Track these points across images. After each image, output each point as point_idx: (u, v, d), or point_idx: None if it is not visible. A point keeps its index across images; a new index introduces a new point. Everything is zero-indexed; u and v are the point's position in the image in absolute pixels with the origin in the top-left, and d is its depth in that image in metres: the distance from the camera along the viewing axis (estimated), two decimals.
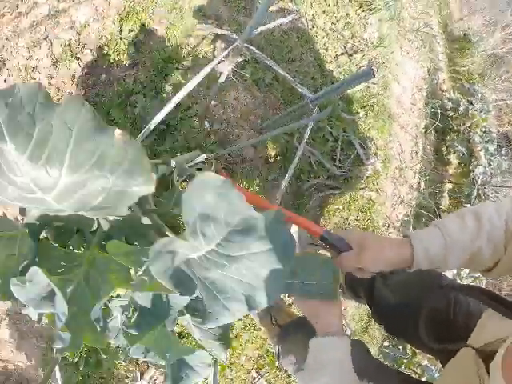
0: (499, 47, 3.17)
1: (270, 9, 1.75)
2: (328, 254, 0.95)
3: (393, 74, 2.21)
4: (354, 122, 1.92)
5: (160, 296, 0.60)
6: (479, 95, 2.55)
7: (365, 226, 1.97)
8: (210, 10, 1.64)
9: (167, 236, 0.66)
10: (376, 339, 2.05)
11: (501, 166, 2.53)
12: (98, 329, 0.60)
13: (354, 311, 1.95)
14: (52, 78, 1.41)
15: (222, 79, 1.42)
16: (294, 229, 1.64)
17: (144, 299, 0.60)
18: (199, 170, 1.38)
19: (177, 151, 1.48)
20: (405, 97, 2.32)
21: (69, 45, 1.43)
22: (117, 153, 0.49)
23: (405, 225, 2.16)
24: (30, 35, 1.41)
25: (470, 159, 2.40)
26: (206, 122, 1.57)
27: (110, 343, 0.79)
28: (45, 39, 1.42)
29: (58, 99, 1.41)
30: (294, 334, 1.34)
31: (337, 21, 1.99)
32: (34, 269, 0.54)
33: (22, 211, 0.71)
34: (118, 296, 0.69)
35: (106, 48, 1.46)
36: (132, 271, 0.64)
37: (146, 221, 0.71)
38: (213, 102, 1.59)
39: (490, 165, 2.43)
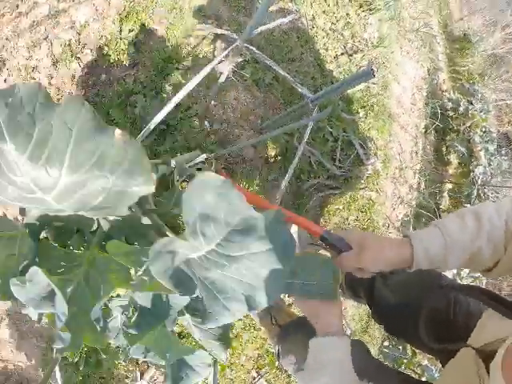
0: (499, 47, 3.17)
1: (270, 9, 1.75)
2: (328, 254, 0.95)
3: (393, 74, 2.21)
4: (354, 122, 1.92)
5: (160, 296, 0.60)
6: (479, 95, 2.55)
7: (365, 226, 1.97)
8: (210, 9, 1.64)
9: (167, 236, 0.66)
10: (376, 339, 2.05)
11: (501, 165, 2.53)
12: (98, 329, 0.60)
13: (353, 311, 1.95)
14: (52, 77, 1.41)
15: (222, 79, 1.42)
16: (293, 229, 1.65)
17: (144, 299, 0.60)
18: (199, 170, 1.38)
19: (177, 151, 1.48)
20: (405, 97, 2.32)
21: (69, 45, 1.43)
22: (117, 153, 0.49)
23: (405, 225, 2.16)
24: (30, 35, 1.41)
25: (469, 159, 2.40)
26: (206, 122, 1.57)
27: (110, 343, 0.79)
28: (45, 39, 1.42)
29: (58, 99, 1.41)
30: (293, 334, 1.34)
31: (337, 21, 1.99)
32: (34, 269, 0.54)
33: (22, 211, 0.71)
34: (118, 296, 0.69)
35: (105, 48, 1.46)
36: (132, 271, 0.64)
37: (145, 221, 0.71)
38: (213, 102, 1.59)
39: (490, 165, 2.43)
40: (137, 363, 1.51)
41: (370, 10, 2.11)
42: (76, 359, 1.41)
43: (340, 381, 0.75)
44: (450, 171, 2.48)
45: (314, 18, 1.90)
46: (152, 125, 1.06)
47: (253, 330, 1.70)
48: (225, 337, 0.80)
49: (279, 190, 1.62)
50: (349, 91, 1.95)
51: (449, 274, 1.93)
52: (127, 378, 1.51)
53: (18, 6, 1.39)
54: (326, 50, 1.92)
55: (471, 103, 2.48)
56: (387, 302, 1.14)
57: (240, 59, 1.61)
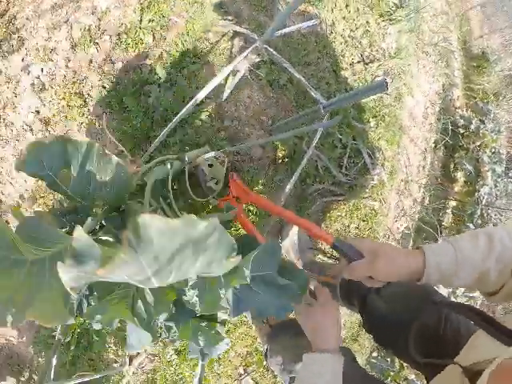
0: None
1: None
2: (328, 262, 0.96)
3: (407, 86, 2.20)
4: (364, 131, 1.92)
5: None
6: (492, 115, 2.53)
7: (365, 236, 1.98)
8: (231, 7, 1.65)
9: None
10: (365, 348, 2.05)
11: (507, 188, 2.52)
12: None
13: (346, 319, 1.96)
14: (69, 61, 1.43)
15: (238, 77, 1.42)
16: (294, 230, 1.65)
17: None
18: (210, 166, 1.39)
19: (186, 144, 1.49)
20: (417, 110, 2.32)
21: (88, 30, 1.44)
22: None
23: (405, 237, 2.16)
24: (50, 17, 1.43)
25: (476, 178, 2.39)
26: (217, 118, 1.58)
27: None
28: (65, 22, 1.43)
29: (74, 82, 1.43)
30: (283, 335, 1.35)
31: (356, 28, 1.99)
32: None
33: None
34: None
35: (124, 36, 1.48)
36: None
37: None
38: (226, 99, 1.60)
39: (496, 186, 2.42)
40: None
41: (391, 20, 2.10)
42: (68, 339, 1.43)
43: None
44: (456, 189, 2.47)
45: (333, 23, 1.90)
46: (174, 123, 1.07)
47: (244, 326, 1.71)
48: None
49: (284, 193, 1.63)
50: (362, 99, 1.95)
51: (444, 291, 1.93)
52: (116, 362, 1.52)
53: None
54: (343, 56, 1.92)
55: (483, 122, 2.46)
56: (379, 312, 1.15)
57: (258, 59, 1.62)
